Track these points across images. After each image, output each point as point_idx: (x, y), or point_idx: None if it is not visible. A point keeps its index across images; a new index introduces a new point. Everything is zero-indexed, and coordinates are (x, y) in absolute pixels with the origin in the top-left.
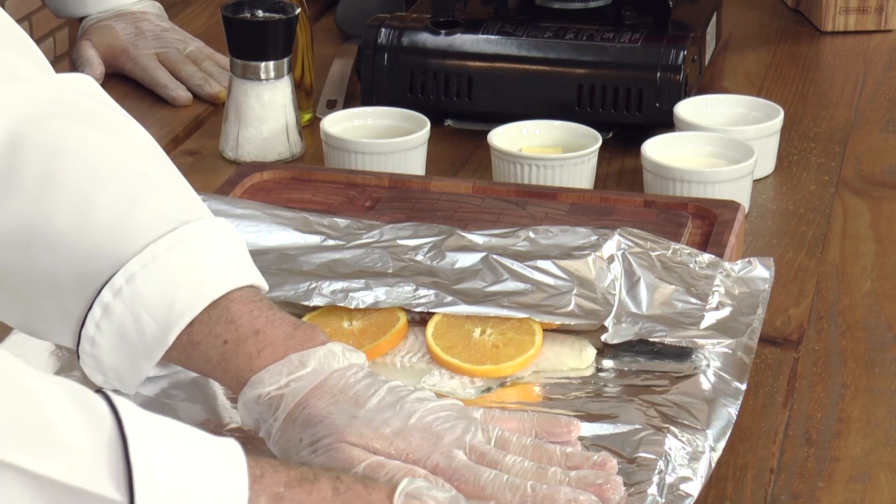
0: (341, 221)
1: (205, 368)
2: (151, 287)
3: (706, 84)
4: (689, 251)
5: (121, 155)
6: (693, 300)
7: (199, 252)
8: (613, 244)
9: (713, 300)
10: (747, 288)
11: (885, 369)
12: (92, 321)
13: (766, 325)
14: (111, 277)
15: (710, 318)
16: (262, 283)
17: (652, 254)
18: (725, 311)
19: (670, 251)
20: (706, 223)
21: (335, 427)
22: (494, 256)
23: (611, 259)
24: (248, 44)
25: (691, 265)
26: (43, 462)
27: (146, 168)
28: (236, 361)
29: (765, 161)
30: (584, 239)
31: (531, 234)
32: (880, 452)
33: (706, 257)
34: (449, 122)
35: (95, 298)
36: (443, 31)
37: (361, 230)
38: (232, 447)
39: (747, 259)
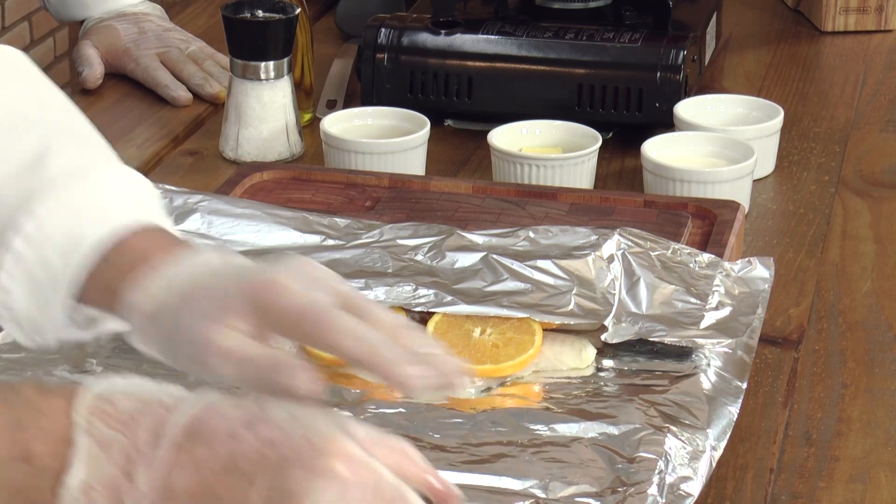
0: (341, 221)
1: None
2: (57, 225)
3: (706, 84)
4: (688, 251)
5: (37, 107)
6: (693, 300)
7: (109, 188)
8: (613, 244)
9: (713, 300)
10: (747, 288)
11: (885, 369)
12: (2, 269)
13: (766, 324)
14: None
15: (710, 318)
16: (176, 233)
17: (652, 254)
18: (725, 311)
19: (670, 251)
20: (706, 223)
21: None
22: (494, 256)
23: (610, 259)
24: (248, 44)
25: (691, 265)
26: None
27: (63, 121)
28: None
29: (765, 161)
30: (583, 239)
31: (531, 234)
32: (880, 452)
33: (706, 257)
34: (449, 122)
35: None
36: (443, 31)
37: (361, 230)
38: None
39: (747, 259)
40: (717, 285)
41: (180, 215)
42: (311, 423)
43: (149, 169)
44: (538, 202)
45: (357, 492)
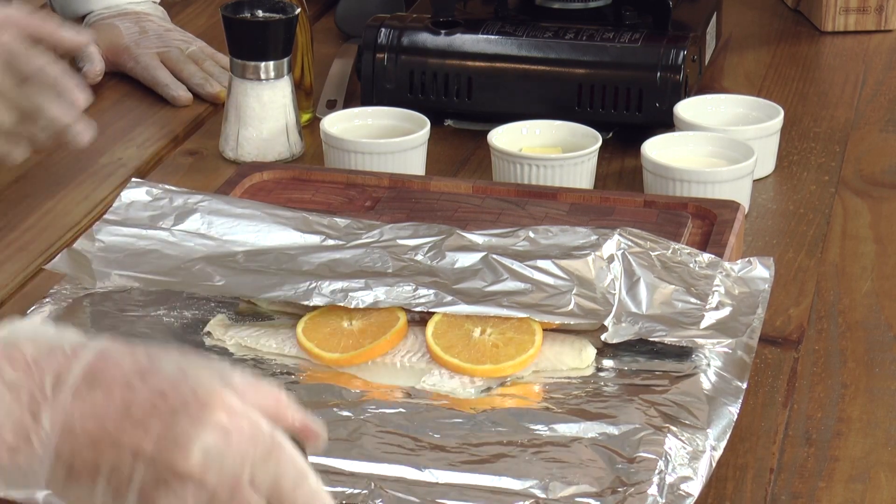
0: (341, 221)
1: None
2: None
3: (706, 84)
4: (688, 251)
5: None
6: (693, 300)
7: None
8: (613, 244)
9: (713, 300)
10: (747, 288)
11: (884, 369)
12: None
13: (766, 324)
14: None
15: (710, 318)
16: None
17: (652, 254)
18: (725, 311)
19: (670, 251)
20: (706, 223)
21: None
22: (494, 256)
23: (611, 259)
24: (248, 44)
25: (691, 265)
26: None
27: None
28: None
29: (765, 161)
30: (583, 239)
31: (531, 234)
32: (880, 452)
33: (706, 257)
34: (449, 122)
35: None
36: (443, 31)
37: (361, 230)
38: None
39: (747, 259)
40: (717, 285)
41: (180, 215)
42: (196, 375)
43: (149, 169)
44: (538, 202)
45: (236, 438)
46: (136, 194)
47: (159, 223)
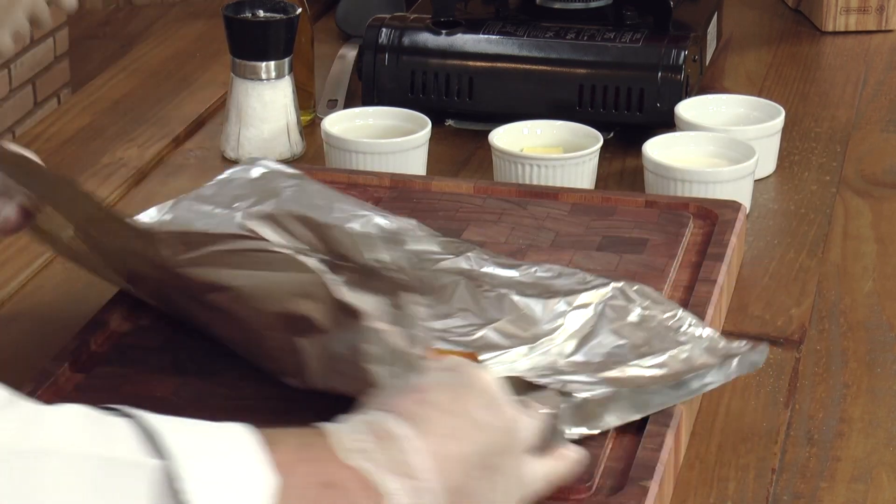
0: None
1: None
2: None
3: (707, 84)
4: (693, 321)
5: None
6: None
7: None
8: (595, 294)
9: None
10: (714, 359)
11: (886, 369)
12: None
13: (768, 325)
14: None
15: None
16: None
17: (632, 310)
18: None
19: (670, 315)
20: (707, 223)
21: None
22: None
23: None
24: (249, 44)
25: (681, 330)
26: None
27: None
28: None
29: (766, 161)
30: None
31: (531, 270)
32: (882, 452)
33: (707, 331)
34: (450, 122)
35: None
36: (443, 31)
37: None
38: (245, 428)
39: (747, 342)
40: (683, 344)
41: (261, 198)
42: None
43: (150, 169)
44: (539, 202)
45: None
46: (247, 171)
47: (234, 204)
